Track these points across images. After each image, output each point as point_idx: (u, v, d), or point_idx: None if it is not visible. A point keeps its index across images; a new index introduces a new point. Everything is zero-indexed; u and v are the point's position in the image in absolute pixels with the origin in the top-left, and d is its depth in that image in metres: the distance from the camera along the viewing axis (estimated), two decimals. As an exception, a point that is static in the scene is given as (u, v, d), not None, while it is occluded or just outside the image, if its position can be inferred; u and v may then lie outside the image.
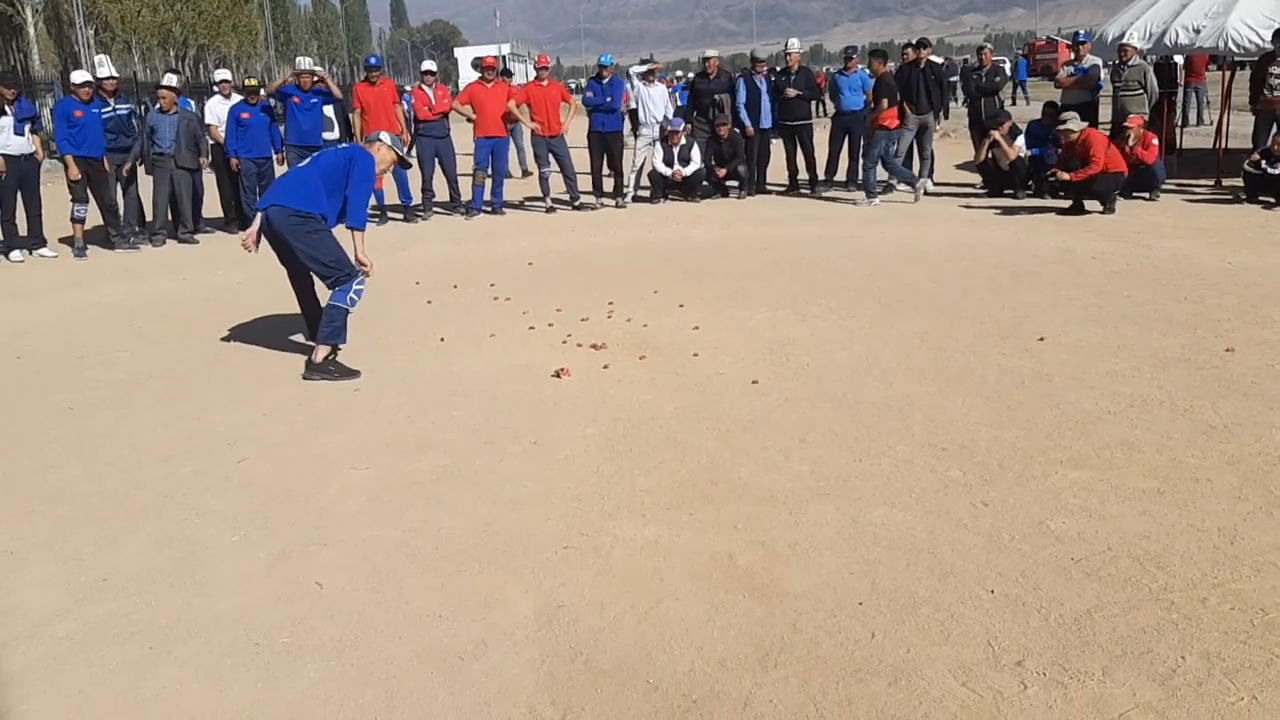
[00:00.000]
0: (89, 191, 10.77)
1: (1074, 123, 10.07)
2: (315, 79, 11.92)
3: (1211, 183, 11.47)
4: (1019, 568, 3.25)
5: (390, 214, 12.53)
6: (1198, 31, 11.35)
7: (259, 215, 5.91)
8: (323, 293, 5.98)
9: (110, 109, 10.96)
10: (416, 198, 12.55)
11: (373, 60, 12.92)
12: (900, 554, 3.37)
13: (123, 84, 11.64)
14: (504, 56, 37.80)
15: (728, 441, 4.51)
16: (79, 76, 10.92)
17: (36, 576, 3.53)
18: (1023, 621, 2.94)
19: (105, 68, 11.38)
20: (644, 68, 13.76)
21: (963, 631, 2.91)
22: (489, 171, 12.37)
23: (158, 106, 11.19)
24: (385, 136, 6.30)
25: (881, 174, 11.91)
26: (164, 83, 11.83)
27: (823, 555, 3.39)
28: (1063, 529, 3.50)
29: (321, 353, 5.85)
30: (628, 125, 13.75)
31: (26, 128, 10.43)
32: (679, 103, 14.88)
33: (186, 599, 3.31)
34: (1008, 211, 10.70)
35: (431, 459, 4.47)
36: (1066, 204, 10.33)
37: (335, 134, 11.91)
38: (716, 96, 12.87)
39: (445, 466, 4.38)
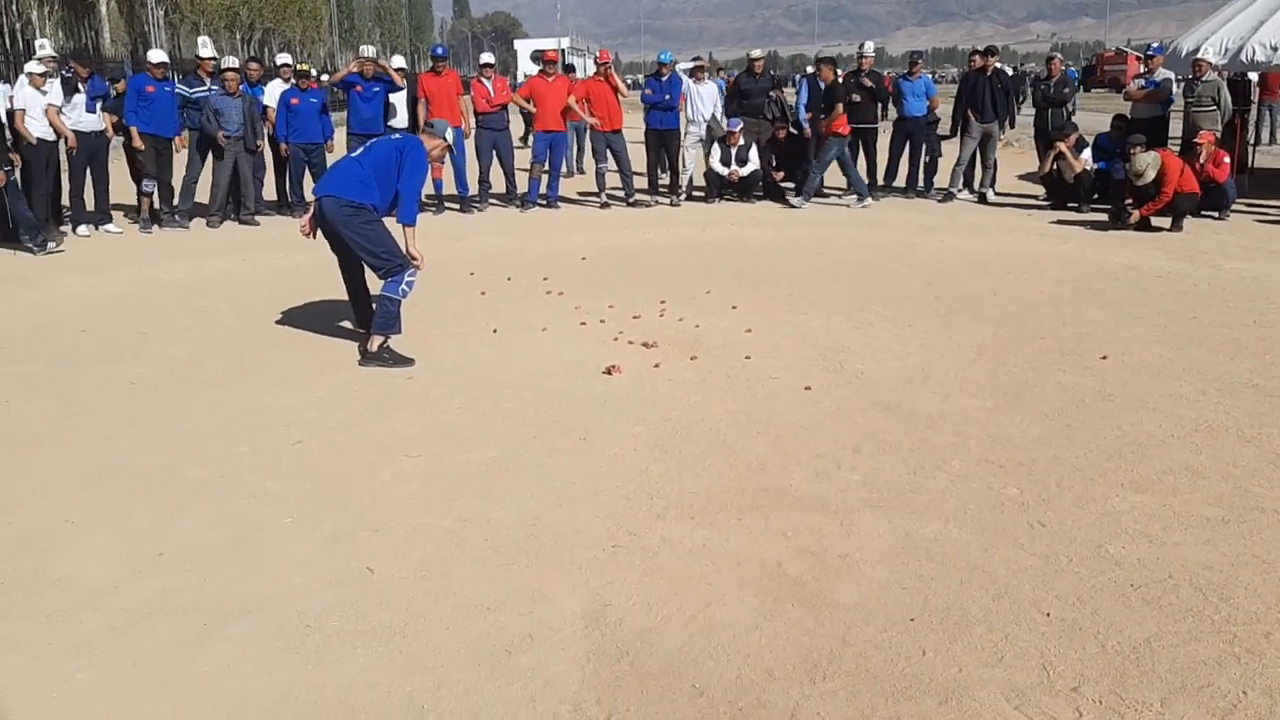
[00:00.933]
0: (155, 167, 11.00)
1: (1149, 169, 9.73)
2: (376, 67, 12.03)
3: (1283, 204, 11.20)
4: (1076, 591, 3.19)
5: (447, 204, 12.61)
6: (1275, 49, 11.07)
7: (314, 202, 5.98)
8: (374, 283, 6.02)
9: (204, 88, 11.21)
10: (473, 188, 12.61)
11: (439, 50, 12.98)
12: (954, 571, 3.32)
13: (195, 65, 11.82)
14: (564, 50, 37.85)
15: (778, 447, 4.48)
16: (155, 56, 11.15)
17: (96, 547, 3.59)
18: (1079, 647, 2.88)
19: (208, 49, 11.66)
20: (692, 64, 13.73)
21: (1016, 654, 2.86)
22: (546, 165, 12.41)
23: (222, 89, 11.34)
24: (438, 124, 6.33)
25: (941, 182, 11.76)
26: (227, 65, 12.01)
27: (874, 568, 3.36)
28: (1122, 554, 3.43)
29: (376, 341, 5.89)
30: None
31: (98, 105, 10.64)
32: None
33: (240, 577, 3.35)
34: (1071, 225, 10.53)
35: (482, 450, 4.49)
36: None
37: (403, 121, 12.00)
38: (770, 94, 12.81)
39: (495, 458, 4.39)
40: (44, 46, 10.96)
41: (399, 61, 12.82)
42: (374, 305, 5.95)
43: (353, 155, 6.12)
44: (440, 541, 3.60)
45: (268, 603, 3.19)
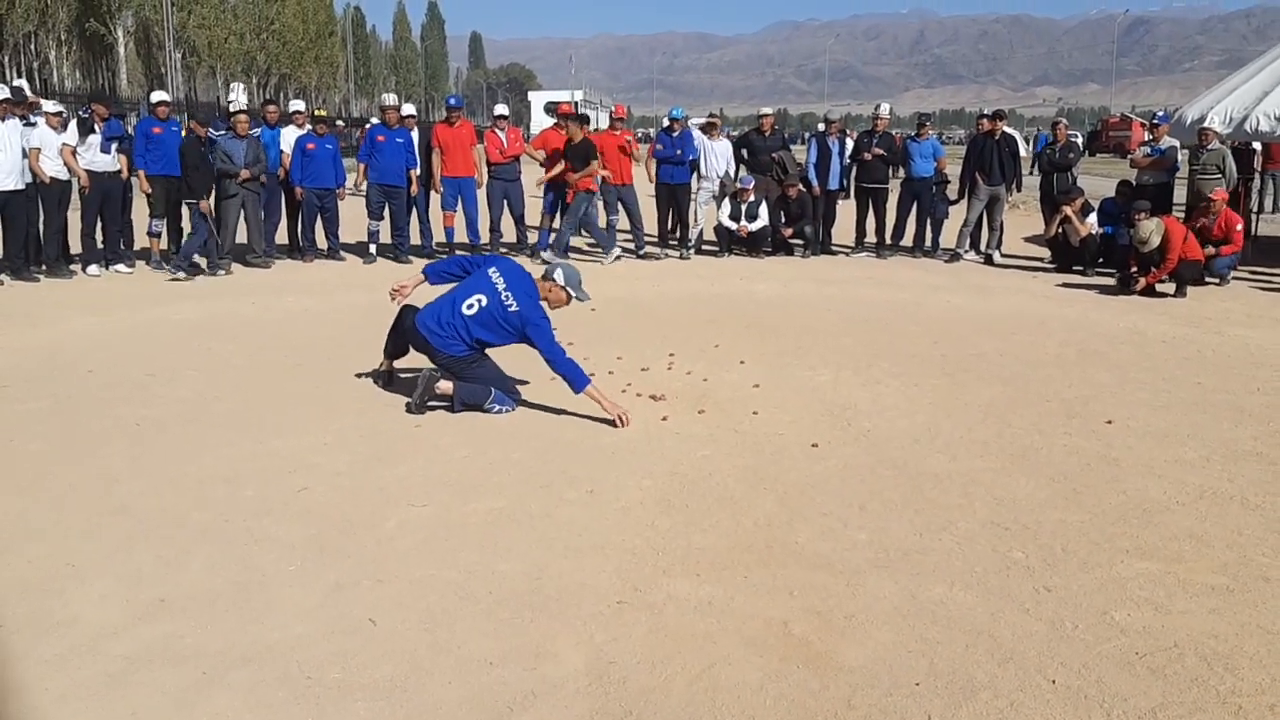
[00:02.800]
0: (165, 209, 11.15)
1: (1154, 235, 9.80)
2: (403, 117, 12.19)
3: (1288, 272, 11.25)
4: (1082, 659, 3.16)
5: (458, 252, 12.70)
6: (1279, 119, 11.20)
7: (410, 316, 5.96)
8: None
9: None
10: (484, 237, 12.71)
11: (453, 101, 13.14)
12: (959, 635, 3.30)
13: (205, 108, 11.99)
14: (577, 103, 38.36)
15: (785, 504, 4.47)
16: (157, 96, 11.32)
17: (97, 591, 3.58)
18: (1084, 715, 2.86)
19: (240, 95, 11.86)
20: (705, 121, 13.92)
21: (1022, 721, 2.83)
22: (557, 214, 12.52)
23: (230, 132, 11.48)
24: (559, 275, 5.97)
25: (947, 242, 11.84)
26: (234, 107, 12.17)
27: (880, 630, 3.34)
28: (1128, 621, 3.41)
29: (448, 397, 5.82)
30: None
31: (113, 146, 10.78)
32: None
33: (241, 625, 3.34)
34: (1076, 288, 10.58)
35: (488, 500, 4.49)
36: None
37: (416, 169, 12.12)
38: (774, 155, 12.98)
39: (501, 509, 4.39)
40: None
41: (409, 109, 12.98)
42: (441, 381, 5.82)
43: (465, 312, 5.79)
44: (444, 593, 3.59)
45: (269, 652, 3.17)
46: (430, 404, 5.83)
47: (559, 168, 12.05)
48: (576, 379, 5.70)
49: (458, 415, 5.77)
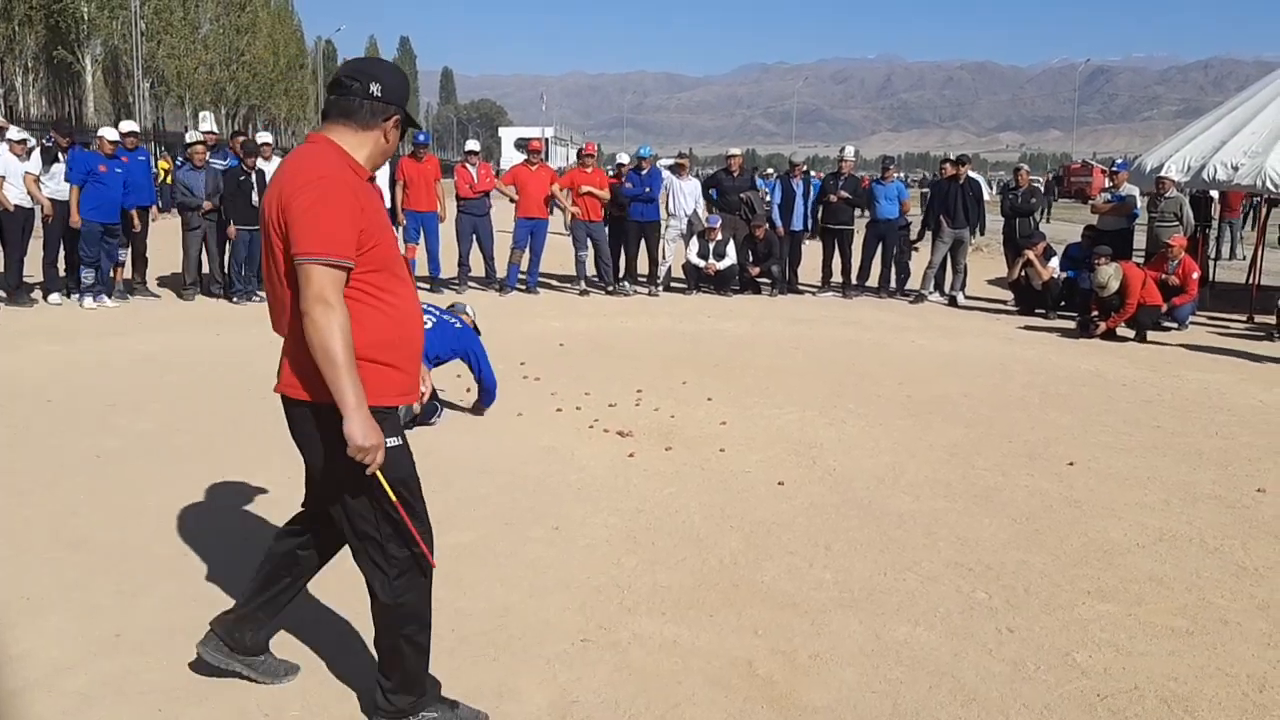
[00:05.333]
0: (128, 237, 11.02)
1: (1112, 280, 9.97)
2: None
3: (1244, 318, 11.47)
4: (1044, 700, 3.18)
5: (419, 284, 12.68)
6: (1236, 169, 11.47)
7: None
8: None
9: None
10: (450, 271, 12.70)
11: (421, 138, 13.15)
12: (923, 675, 3.31)
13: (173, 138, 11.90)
14: (548, 140, 38.58)
15: (751, 542, 4.48)
16: (125, 126, 11.23)
17: (52, 625, 3.51)
18: (1047, 757, 2.87)
19: (208, 123, 11.76)
20: (674, 161, 14.09)
21: (985, 762, 2.84)
22: (525, 251, 12.55)
23: (187, 163, 11.43)
24: (470, 310, 6.90)
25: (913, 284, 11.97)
26: (190, 138, 12.12)
27: (844, 670, 3.34)
28: (1089, 663, 3.44)
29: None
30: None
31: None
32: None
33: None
34: (1039, 330, 10.73)
35: (453, 536, 4.45)
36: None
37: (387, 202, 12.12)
38: (742, 195, 13.15)
39: (466, 545, 4.36)
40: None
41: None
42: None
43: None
44: (406, 629, 3.54)
45: (227, 689, 3.12)
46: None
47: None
48: (491, 395, 6.59)
49: (423, 450, 5.72)
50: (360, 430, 2.51)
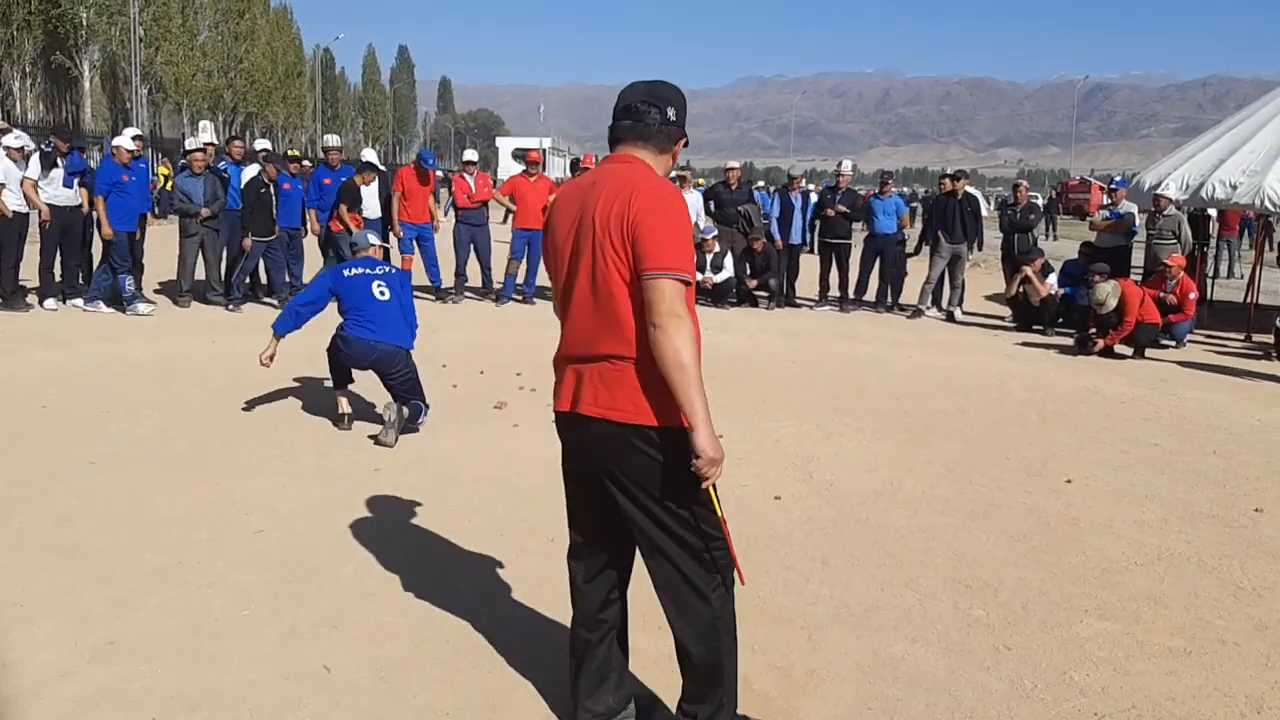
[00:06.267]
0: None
1: (1110, 297, 9.99)
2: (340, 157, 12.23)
3: (1242, 336, 11.49)
4: (1041, 719, 3.16)
5: (417, 294, 12.65)
6: (1234, 187, 11.50)
7: (364, 343, 6.25)
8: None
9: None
10: (447, 281, 12.69)
11: (429, 161, 12.77)
12: (920, 693, 3.29)
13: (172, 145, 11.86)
14: (545, 150, 38.62)
15: (748, 558, 4.43)
16: (123, 140, 11.23)
17: (45, 632, 3.49)
18: (1045, 777, 2.85)
19: (208, 134, 11.73)
20: (675, 173, 14.08)
21: (983, 782, 2.82)
22: (523, 261, 12.55)
23: (186, 170, 11.42)
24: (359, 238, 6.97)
25: (908, 299, 11.98)
26: (190, 145, 12.11)
27: (841, 686, 3.32)
28: (1087, 682, 3.42)
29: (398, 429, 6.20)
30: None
31: (75, 181, 10.68)
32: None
33: (193, 670, 3.26)
34: (1036, 347, 10.73)
35: (447, 547, 4.44)
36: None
37: (375, 211, 12.10)
38: (740, 208, 13.15)
39: (461, 557, 4.34)
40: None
41: (370, 155, 12.98)
42: (405, 410, 6.25)
43: (385, 301, 6.35)
44: (400, 640, 3.53)
45: (220, 698, 3.10)
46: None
47: None
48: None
49: (418, 460, 5.73)
50: (711, 443, 2.52)
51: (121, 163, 10.60)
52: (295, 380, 7.47)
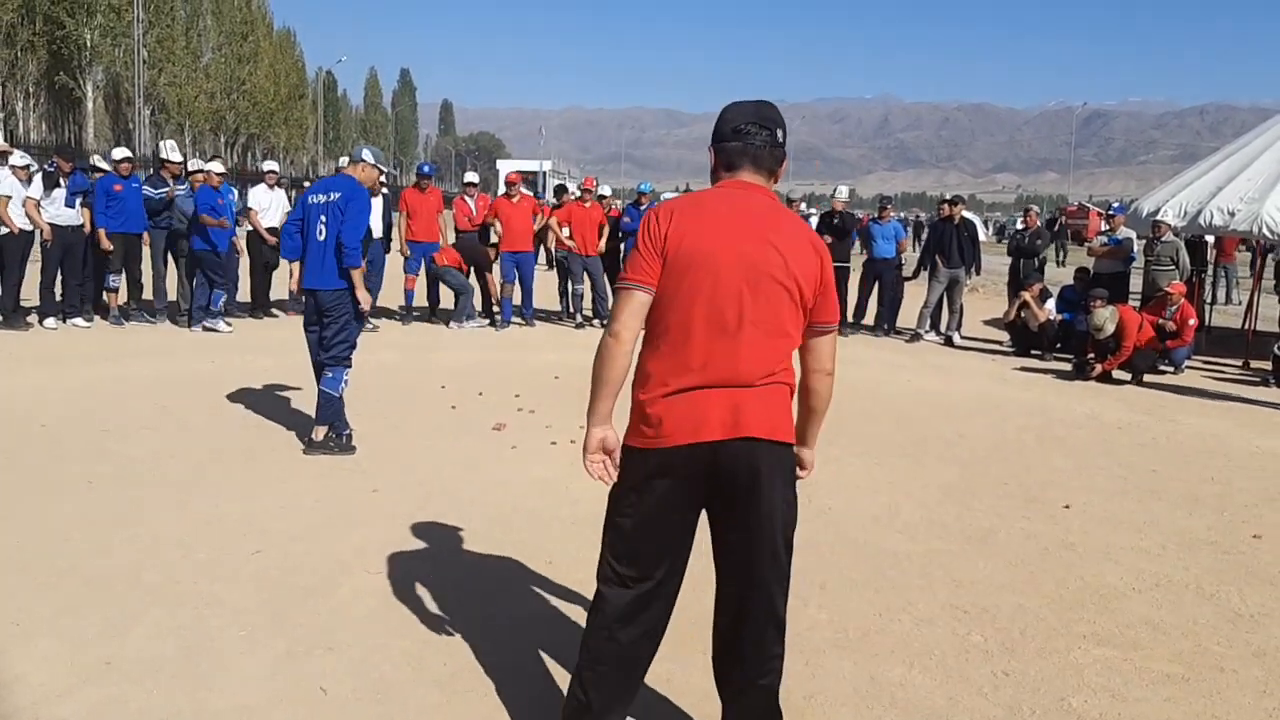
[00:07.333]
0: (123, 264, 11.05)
1: (1108, 322, 10.03)
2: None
3: (1240, 363, 11.51)
4: (1040, 745, 3.16)
5: (416, 315, 12.69)
6: (1232, 214, 11.54)
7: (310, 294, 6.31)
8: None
9: (164, 189, 11.28)
10: (447, 302, 12.72)
11: (426, 170, 13.06)
12: (917, 718, 3.29)
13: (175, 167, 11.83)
14: (545, 173, 38.71)
15: (745, 581, 4.44)
16: (119, 153, 11.27)
17: (41, 652, 3.48)
18: (1043, 804, 2.84)
19: (175, 153, 11.81)
20: (675, 195, 14.18)
21: (980, 808, 2.81)
22: (515, 284, 12.56)
23: (186, 188, 11.47)
24: (367, 155, 6.58)
25: (906, 322, 12.00)
26: (195, 167, 12.19)
27: (838, 711, 3.32)
28: (1085, 708, 3.41)
29: (321, 432, 6.24)
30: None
31: (77, 200, 10.73)
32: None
33: (189, 691, 3.25)
34: (1034, 372, 10.75)
35: (444, 569, 4.43)
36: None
37: (377, 231, 12.14)
38: None
39: (458, 579, 4.33)
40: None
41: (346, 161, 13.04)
42: (318, 398, 6.24)
43: (319, 239, 6.23)
44: (397, 663, 3.52)
45: (216, 719, 3.09)
46: (323, 450, 6.24)
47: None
48: (353, 260, 6.18)
49: (416, 481, 5.73)
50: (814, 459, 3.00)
51: (119, 174, 10.87)
52: (295, 401, 7.47)
